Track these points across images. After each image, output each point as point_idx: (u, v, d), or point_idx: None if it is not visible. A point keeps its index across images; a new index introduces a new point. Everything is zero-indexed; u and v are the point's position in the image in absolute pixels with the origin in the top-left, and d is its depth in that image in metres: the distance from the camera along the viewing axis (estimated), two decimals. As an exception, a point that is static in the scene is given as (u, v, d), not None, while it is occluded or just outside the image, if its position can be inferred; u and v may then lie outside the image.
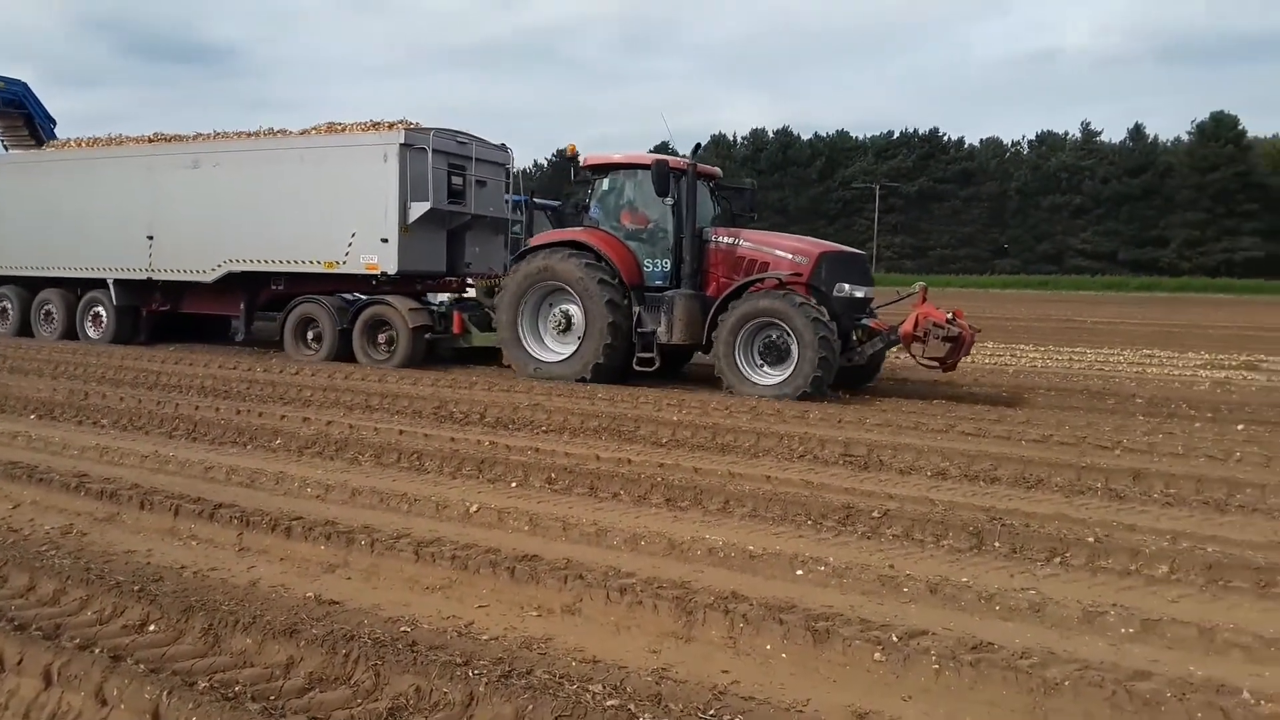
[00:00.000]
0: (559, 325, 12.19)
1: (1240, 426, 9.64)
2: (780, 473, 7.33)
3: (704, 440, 8.53)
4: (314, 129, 14.65)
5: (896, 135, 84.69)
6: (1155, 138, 75.52)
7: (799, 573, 5.03)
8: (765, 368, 10.94)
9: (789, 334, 10.63)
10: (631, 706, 3.41)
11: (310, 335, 14.41)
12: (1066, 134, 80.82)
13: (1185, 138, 73.50)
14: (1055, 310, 36.84)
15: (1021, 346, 19.65)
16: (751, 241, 11.77)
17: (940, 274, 66.70)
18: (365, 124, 14.18)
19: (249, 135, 15.18)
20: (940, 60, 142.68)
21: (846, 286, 11.27)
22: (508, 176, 15.63)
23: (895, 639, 4.00)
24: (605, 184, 12.48)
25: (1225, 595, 4.83)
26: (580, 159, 12.86)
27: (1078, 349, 19.28)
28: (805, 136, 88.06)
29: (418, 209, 13.57)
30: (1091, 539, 5.49)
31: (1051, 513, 6.12)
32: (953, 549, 5.54)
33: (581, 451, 7.91)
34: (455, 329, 13.86)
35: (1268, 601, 4.74)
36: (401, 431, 8.67)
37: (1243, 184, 68.23)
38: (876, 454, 7.86)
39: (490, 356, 14.14)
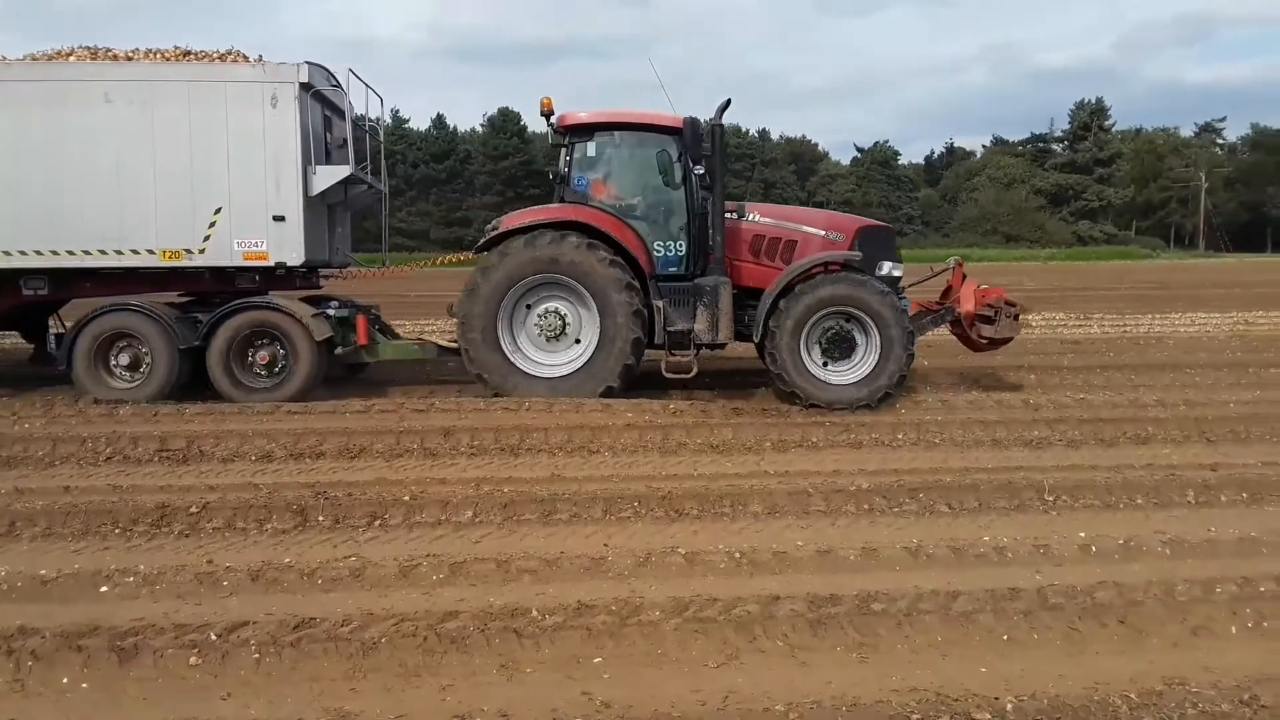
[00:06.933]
0: (552, 330, 9.40)
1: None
2: (83, 480, 6.52)
3: (-21, 455, 7.15)
4: (96, 51, 9.70)
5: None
6: (455, 128, 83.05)
7: (104, 589, 4.54)
8: (829, 366, 9.19)
9: (864, 325, 9.10)
10: None
11: (126, 360, 9.52)
12: (380, 120, 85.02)
13: (479, 129, 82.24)
14: (381, 286, 38.27)
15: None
16: (770, 217, 9.90)
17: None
18: (198, 53, 9.78)
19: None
20: (258, 37, 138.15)
21: (887, 265, 9.78)
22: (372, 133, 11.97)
23: (214, 637, 3.84)
24: (592, 149, 9.65)
25: (518, 529, 5.56)
26: (556, 116, 9.61)
27: (397, 322, 20.30)
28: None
29: (328, 176, 9.67)
30: (408, 497, 5.89)
31: (373, 479, 6.40)
32: (277, 530, 5.49)
33: None
34: (360, 339, 10.12)
35: (551, 528, 5.58)
36: None
37: (527, 171, 78.89)
38: (197, 445, 7.39)
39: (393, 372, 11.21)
